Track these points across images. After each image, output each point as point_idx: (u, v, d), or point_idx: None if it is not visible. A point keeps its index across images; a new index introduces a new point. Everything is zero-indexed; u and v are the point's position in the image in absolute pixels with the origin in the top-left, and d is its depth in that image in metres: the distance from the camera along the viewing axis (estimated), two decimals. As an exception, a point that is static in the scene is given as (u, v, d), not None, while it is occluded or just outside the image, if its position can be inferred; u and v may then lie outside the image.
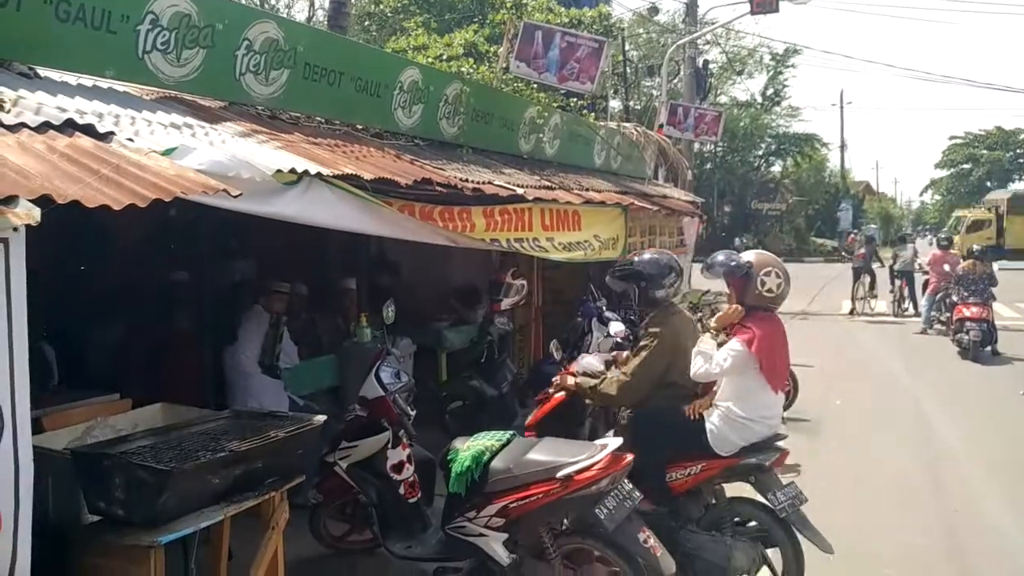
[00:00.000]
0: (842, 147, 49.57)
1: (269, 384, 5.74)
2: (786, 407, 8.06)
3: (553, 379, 5.32)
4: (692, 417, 4.34)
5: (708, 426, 4.27)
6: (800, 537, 4.13)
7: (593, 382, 4.77)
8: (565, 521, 4.02)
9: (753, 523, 4.38)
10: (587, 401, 5.10)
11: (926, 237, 30.70)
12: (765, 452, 4.27)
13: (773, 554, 4.27)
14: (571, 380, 5.00)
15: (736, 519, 4.38)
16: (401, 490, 4.58)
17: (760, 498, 4.32)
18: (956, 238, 22.74)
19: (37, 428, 2.92)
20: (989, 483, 5.69)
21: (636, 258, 4.84)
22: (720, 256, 4.52)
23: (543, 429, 4.98)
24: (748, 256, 4.49)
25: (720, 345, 4.31)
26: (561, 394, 5.18)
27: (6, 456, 2.48)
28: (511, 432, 4.36)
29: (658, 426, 4.41)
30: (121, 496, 3.01)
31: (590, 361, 5.47)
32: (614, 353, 5.65)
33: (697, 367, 4.32)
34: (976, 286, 12.81)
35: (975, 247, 14.15)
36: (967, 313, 12.43)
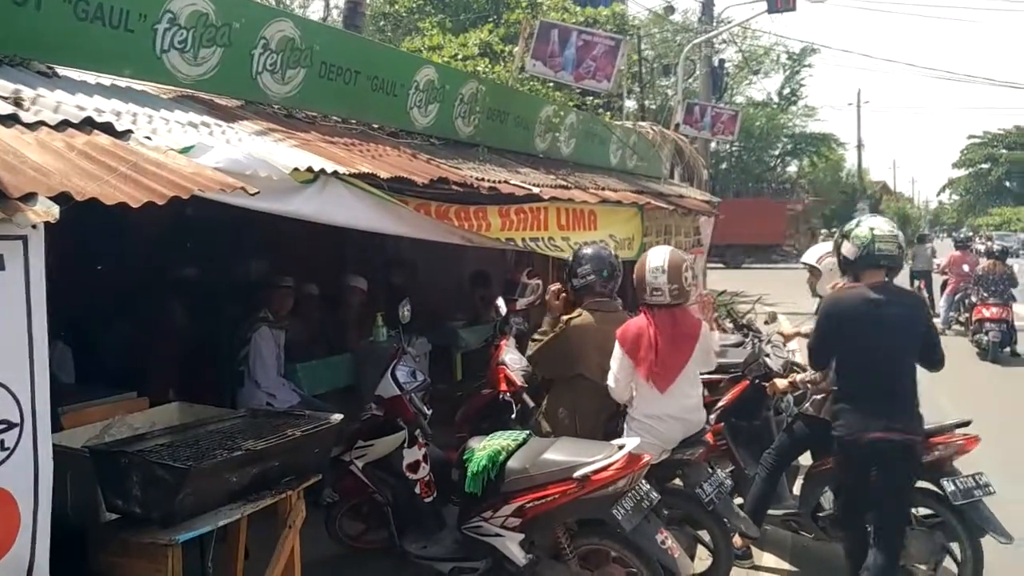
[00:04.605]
0: (859, 147, 49.43)
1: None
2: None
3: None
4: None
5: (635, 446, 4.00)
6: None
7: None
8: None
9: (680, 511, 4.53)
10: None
11: (943, 239, 30.37)
12: (692, 447, 4.41)
13: None
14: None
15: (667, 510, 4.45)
16: (417, 489, 4.58)
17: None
18: None
19: (56, 426, 2.93)
20: (1013, 488, 5.60)
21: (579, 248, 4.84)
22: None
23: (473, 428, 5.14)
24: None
25: None
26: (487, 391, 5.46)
27: (26, 453, 2.49)
28: (527, 432, 4.36)
29: None
30: (139, 494, 3.01)
31: (513, 357, 5.51)
32: None
33: (612, 386, 4.35)
34: (996, 286, 12.69)
35: (995, 246, 14.02)
36: (986, 314, 12.32)
